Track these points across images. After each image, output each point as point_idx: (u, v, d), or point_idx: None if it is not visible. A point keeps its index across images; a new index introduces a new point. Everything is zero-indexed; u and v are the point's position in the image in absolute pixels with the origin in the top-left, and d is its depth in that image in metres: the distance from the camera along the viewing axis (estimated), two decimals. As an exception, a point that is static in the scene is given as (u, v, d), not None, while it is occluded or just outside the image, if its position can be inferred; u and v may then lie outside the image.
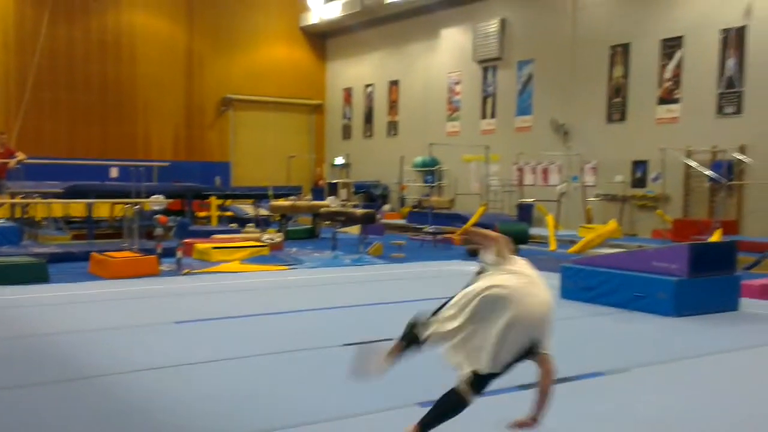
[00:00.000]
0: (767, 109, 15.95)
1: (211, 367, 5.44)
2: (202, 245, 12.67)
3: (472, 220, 17.59)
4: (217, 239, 13.69)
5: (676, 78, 18.32)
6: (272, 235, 14.60)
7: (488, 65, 23.10)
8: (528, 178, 21.00)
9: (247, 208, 19.11)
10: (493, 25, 22.51)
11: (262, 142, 28.51)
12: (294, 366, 5.55)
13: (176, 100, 27.00)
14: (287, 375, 5.29)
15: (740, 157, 16.47)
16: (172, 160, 23.62)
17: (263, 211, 17.86)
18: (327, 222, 16.47)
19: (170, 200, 16.48)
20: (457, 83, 24.34)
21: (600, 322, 7.43)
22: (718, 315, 7.66)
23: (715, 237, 12.78)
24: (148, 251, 11.10)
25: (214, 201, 19.50)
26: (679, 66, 18.24)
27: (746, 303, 8.14)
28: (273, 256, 13.06)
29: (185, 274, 10.51)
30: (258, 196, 19.72)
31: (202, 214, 19.42)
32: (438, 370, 5.46)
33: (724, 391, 5.10)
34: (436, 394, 4.75)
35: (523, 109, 22.11)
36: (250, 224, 17.03)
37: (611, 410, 4.62)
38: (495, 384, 5.02)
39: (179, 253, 11.14)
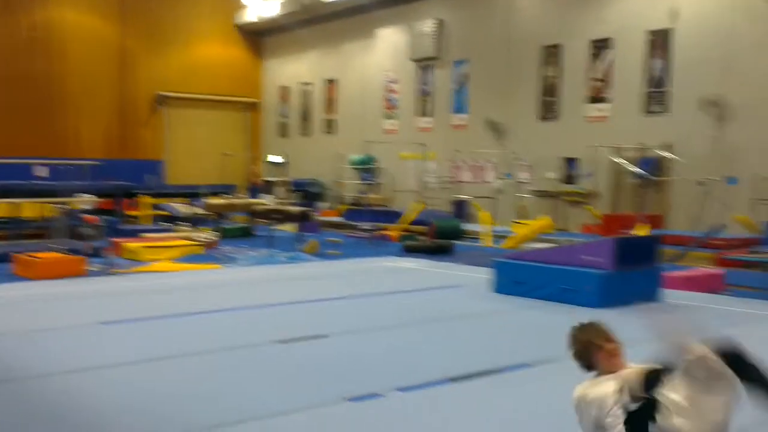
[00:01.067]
0: (692, 108, 16.52)
1: (137, 367, 5.35)
2: (131, 244, 12.42)
3: (408, 217, 17.72)
4: (147, 238, 13.43)
5: (606, 78, 18.81)
6: (206, 234, 14.41)
7: (425, 64, 23.27)
8: (464, 176, 21.26)
9: (182, 207, 18.80)
10: (428, 25, 22.69)
11: (197, 139, 28.10)
12: (226, 364, 5.50)
13: (108, 97, 26.37)
14: (218, 374, 5.24)
15: (666, 154, 17.01)
16: (104, 159, 23.02)
17: (198, 210, 17.60)
18: (263, 220, 16.33)
19: (100, 199, 16.09)
20: (393, 82, 24.45)
21: (529, 315, 7.58)
22: (641, 306, 7.89)
23: (640, 231, 13.18)
24: (76, 251, 10.81)
25: (146, 199, 19.12)
26: (608, 66, 18.73)
27: (669, 294, 8.43)
28: (207, 254, 12.90)
29: (113, 274, 10.28)
30: (192, 194, 19.42)
31: (134, 213, 19.03)
32: (370, 366, 5.51)
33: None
34: (368, 388, 4.80)
35: (459, 108, 22.37)
36: (185, 223, 16.77)
37: (537, 399, 4.72)
38: (424, 377, 5.10)
39: (108, 253, 10.88)
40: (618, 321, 7.20)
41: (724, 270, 10.27)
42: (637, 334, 6.67)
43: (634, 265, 8.05)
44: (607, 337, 3.52)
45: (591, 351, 3.52)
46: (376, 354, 5.89)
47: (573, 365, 5.54)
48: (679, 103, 17.17)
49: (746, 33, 15.98)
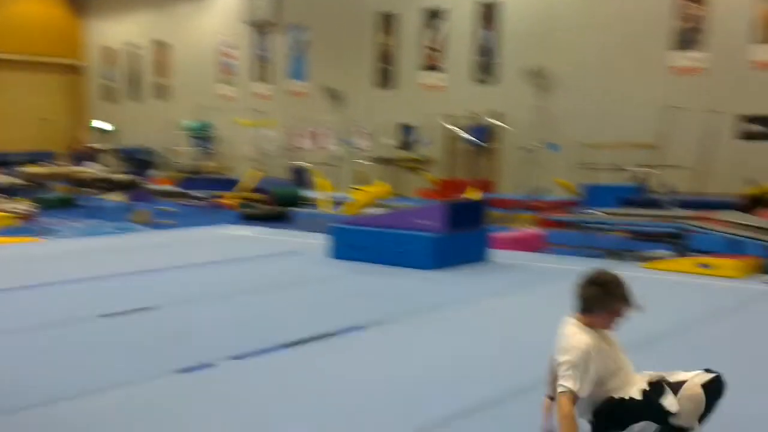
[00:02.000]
0: (519, 77, 17.30)
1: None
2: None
3: (245, 185, 17.37)
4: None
5: (440, 47, 19.27)
6: (24, 205, 13.34)
7: (262, 29, 22.74)
8: (303, 143, 21.11)
9: (-5, 176, 17.29)
10: (264, -12, 22.17)
11: (13, 104, 25.86)
12: (42, 342, 5.10)
13: None
14: (33, 353, 4.85)
15: (496, 122, 17.77)
16: None
17: (14, 179, 16.26)
18: (88, 189, 15.36)
19: None
20: (230, 47, 23.71)
21: (364, 279, 7.66)
22: (471, 266, 8.22)
23: (472, 195, 13.70)
24: None
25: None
26: (442, 36, 19.19)
27: (498, 254, 8.83)
28: (24, 227, 11.95)
29: None
30: (7, 162, 17.91)
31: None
32: (202, 336, 5.32)
33: (476, 333, 5.48)
34: (199, 359, 4.62)
35: (298, 75, 22.11)
36: (-1, 194, 15.45)
37: (370, 360, 4.76)
38: (258, 344, 5.00)
39: None
40: (449, 281, 7.50)
41: (546, 230, 10.91)
42: (467, 293, 6.96)
43: (464, 228, 8.34)
44: (629, 304, 3.20)
45: (609, 300, 3.17)
46: (208, 324, 5.70)
47: (404, 327, 5.70)
48: (507, 74, 17.94)
49: (567, 10, 16.94)
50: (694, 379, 3.14)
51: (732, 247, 8.56)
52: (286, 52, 22.31)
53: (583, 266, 8.27)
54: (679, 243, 8.72)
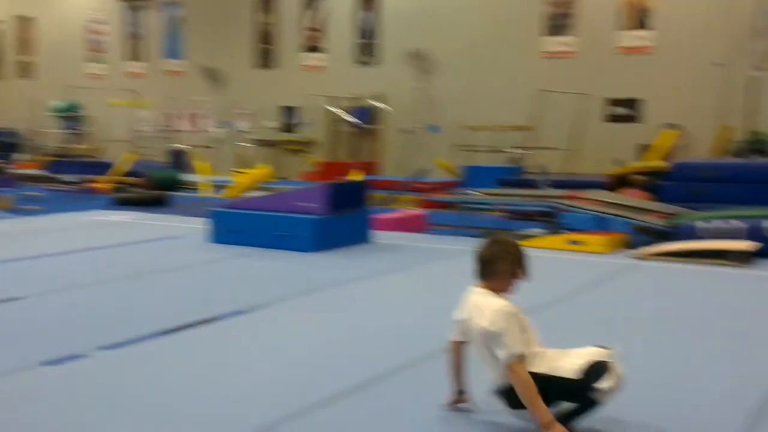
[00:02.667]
0: (400, 59, 17.45)
1: None
2: None
3: (119, 168, 16.67)
4: None
5: (321, 28, 19.13)
6: None
7: (134, 5, 21.79)
8: (181, 124, 20.45)
9: None
10: (136, -39, 21.22)
11: None
12: None
13: None
14: None
15: (378, 104, 17.86)
16: None
17: None
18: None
19: None
20: (100, 22, 22.57)
21: (245, 263, 7.53)
22: (353, 248, 8.25)
23: (355, 177, 13.74)
24: None
25: None
26: (323, 16, 19.04)
27: (381, 235, 8.89)
28: None
29: None
30: None
31: None
32: (72, 327, 5.04)
33: (358, 313, 5.50)
34: (67, 350, 4.38)
35: (174, 53, 21.36)
36: None
37: (250, 344, 4.68)
38: (134, 332, 4.80)
39: None
40: (331, 263, 7.49)
41: (427, 211, 11.10)
42: (349, 274, 6.97)
43: (346, 210, 8.34)
44: (525, 269, 3.22)
45: (509, 262, 3.18)
46: (79, 313, 5.43)
47: (287, 310, 5.64)
48: (388, 56, 18.05)
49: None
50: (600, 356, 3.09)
51: (599, 225, 9.02)
52: (160, 30, 21.49)
53: (463, 246, 8.47)
54: (552, 221, 9.09)
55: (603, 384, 3.01)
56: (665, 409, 3.54)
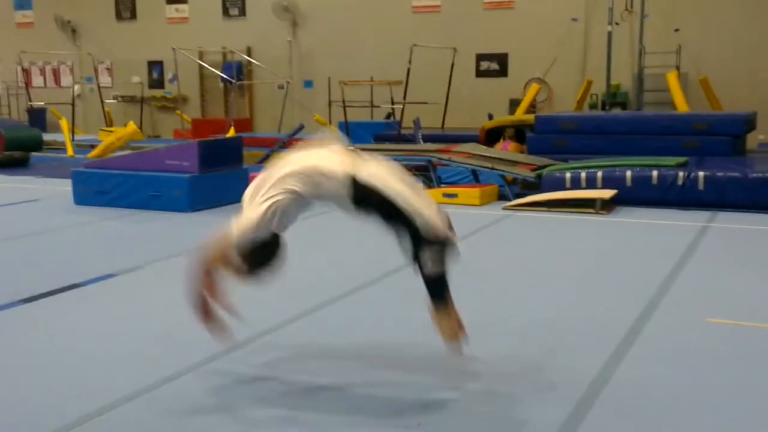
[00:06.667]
0: (267, 12, 17.02)
1: None
2: None
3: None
4: None
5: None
6: None
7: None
8: (37, 80, 19.15)
9: None
10: None
11: None
12: None
13: None
14: None
15: (247, 58, 17.41)
16: None
17: None
18: None
19: None
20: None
21: (115, 225, 7.22)
22: (229, 207, 8.07)
23: (229, 134, 13.41)
24: None
25: None
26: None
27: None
28: None
29: None
30: None
31: None
32: None
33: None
34: None
35: (22, 3, 19.86)
36: None
37: (122, 308, 4.51)
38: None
39: None
40: (206, 223, 7.31)
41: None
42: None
43: (220, 168, 8.14)
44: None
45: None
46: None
47: (158, 271, 5.45)
48: (255, 8, 17.57)
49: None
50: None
51: (473, 178, 9.27)
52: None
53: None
54: (428, 175, 9.25)
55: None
56: (539, 350, 3.72)
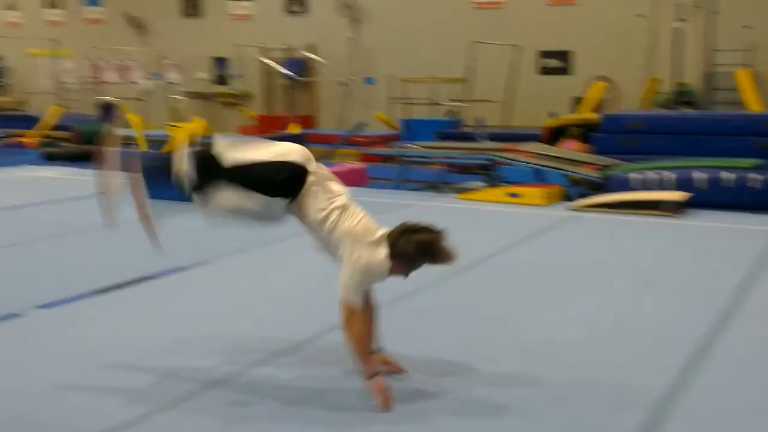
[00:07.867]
0: (331, 8, 17.13)
1: None
2: None
3: (47, 122, 16.02)
4: None
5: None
6: None
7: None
8: (107, 76, 19.70)
9: None
10: None
11: None
12: None
13: None
14: None
15: (310, 55, 17.56)
16: None
17: None
18: None
19: None
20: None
21: (183, 219, 7.37)
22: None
23: (293, 131, 13.58)
24: None
25: None
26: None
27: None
28: None
29: None
30: None
31: None
32: (5, 286, 4.89)
33: (307, 268, 5.47)
34: (4, 310, 4.25)
35: (93, 0, 20.46)
36: None
37: (188, 300, 4.64)
38: (70, 291, 4.68)
39: None
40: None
41: (366, 165, 11.06)
42: (289, 229, 6.91)
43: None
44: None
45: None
46: (12, 273, 5.26)
47: (228, 264, 5.57)
48: (318, 5, 17.70)
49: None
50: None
51: (536, 177, 9.17)
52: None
53: (403, 199, 8.53)
54: (490, 174, 9.19)
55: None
56: (608, 357, 3.67)
